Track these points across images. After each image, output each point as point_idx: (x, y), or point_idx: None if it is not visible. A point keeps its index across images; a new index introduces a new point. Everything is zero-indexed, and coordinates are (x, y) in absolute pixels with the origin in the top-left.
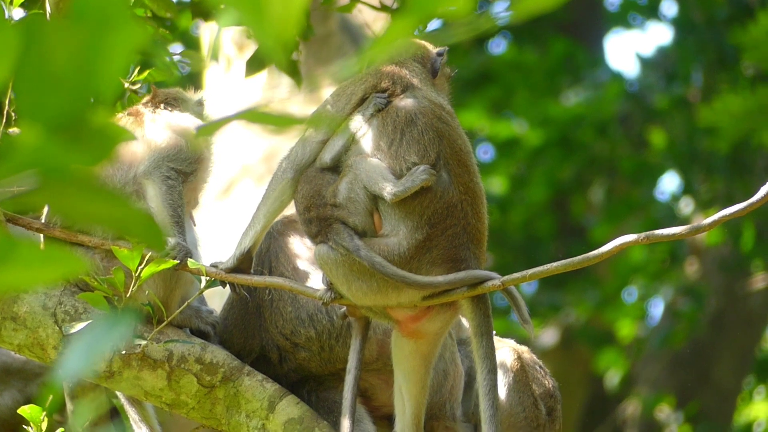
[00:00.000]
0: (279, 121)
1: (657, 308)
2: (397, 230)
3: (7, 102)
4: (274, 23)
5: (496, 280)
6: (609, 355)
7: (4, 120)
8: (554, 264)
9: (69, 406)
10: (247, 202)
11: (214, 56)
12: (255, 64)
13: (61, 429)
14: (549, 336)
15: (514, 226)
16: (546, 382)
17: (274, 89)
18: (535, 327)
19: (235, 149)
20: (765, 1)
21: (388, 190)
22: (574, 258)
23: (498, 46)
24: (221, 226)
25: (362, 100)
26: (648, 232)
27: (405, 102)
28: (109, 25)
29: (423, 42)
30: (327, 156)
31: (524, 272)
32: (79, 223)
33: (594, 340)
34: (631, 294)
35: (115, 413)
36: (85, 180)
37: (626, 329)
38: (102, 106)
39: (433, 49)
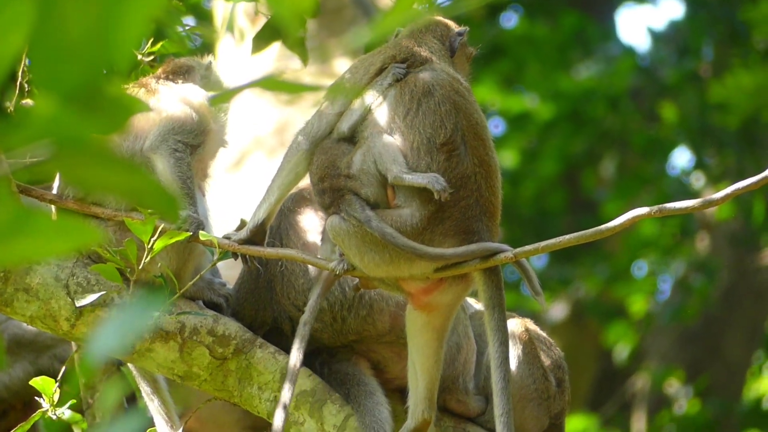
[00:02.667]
0: (294, 89)
1: (667, 283)
2: (410, 201)
3: (20, 72)
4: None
5: (509, 252)
6: (618, 328)
7: (17, 90)
8: (566, 237)
9: (81, 378)
10: (259, 174)
11: (229, 28)
12: (262, 41)
13: (73, 401)
14: (559, 310)
15: (525, 200)
16: (553, 353)
17: (287, 60)
18: (546, 300)
19: (247, 121)
20: None
21: (393, 172)
22: (586, 231)
23: (509, 21)
24: (233, 199)
25: (380, 71)
26: (660, 206)
27: (423, 74)
28: None
29: (445, 20)
30: (344, 125)
31: (536, 245)
32: (92, 193)
33: (604, 314)
34: (641, 268)
35: (132, 399)
36: (100, 150)
37: (637, 305)
38: (117, 75)
39: (454, 28)
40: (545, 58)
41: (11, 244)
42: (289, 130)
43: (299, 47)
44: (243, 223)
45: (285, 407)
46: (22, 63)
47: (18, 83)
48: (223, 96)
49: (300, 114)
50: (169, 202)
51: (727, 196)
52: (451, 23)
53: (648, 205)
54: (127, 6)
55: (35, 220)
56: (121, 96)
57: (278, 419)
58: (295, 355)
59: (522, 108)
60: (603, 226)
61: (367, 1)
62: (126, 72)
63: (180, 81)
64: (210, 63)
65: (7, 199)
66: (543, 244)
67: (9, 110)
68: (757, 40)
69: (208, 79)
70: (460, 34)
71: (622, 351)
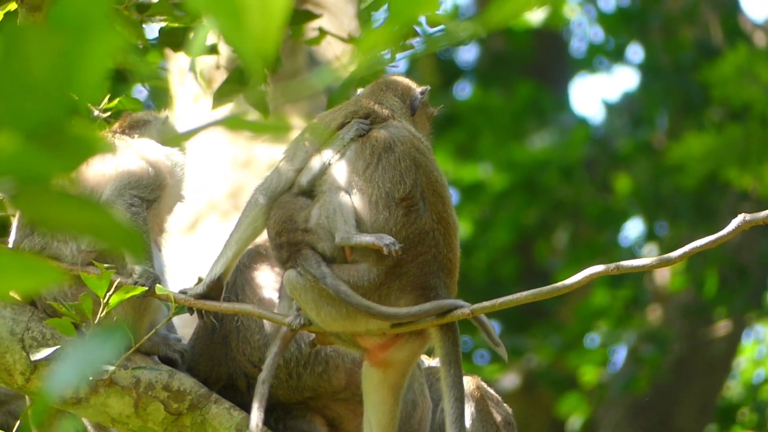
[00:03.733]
0: (258, 128)
1: (620, 354)
2: (366, 257)
3: None
4: (253, 35)
5: (466, 309)
6: (571, 399)
7: None
8: (523, 293)
9: None
10: (213, 237)
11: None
12: (223, 94)
13: None
14: (511, 380)
15: (478, 269)
16: (502, 410)
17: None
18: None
19: (201, 184)
20: (730, 45)
21: (341, 233)
22: (543, 288)
23: (463, 90)
24: (187, 262)
25: (342, 126)
26: (617, 263)
27: (385, 130)
28: (88, 32)
29: (405, 79)
30: (304, 179)
31: (493, 301)
32: (55, 231)
33: (556, 384)
34: (593, 340)
35: None
36: (62, 188)
37: (589, 374)
38: (80, 113)
39: (415, 87)
40: (499, 127)
41: None
42: (243, 193)
43: (260, 101)
44: (200, 281)
45: None
46: None
47: None
48: (184, 136)
49: (255, 177)
50: (131, 240)
51: (684, 255)
52: (412, 83)
53: (602, 277)
54: (90, 45)
55: None
56: (83, 134)
57: None
58: (256, 415)
59: (475, 178)
60: (560, 284)
61: (323, 64)
62: (89, 110)
63: (136, 135)
64: (166, 117)
65: None
66: (500, 300)
67: None
68: (713, 110)
69: (165, 133)
70: (421, 93)
71: (574, 422)
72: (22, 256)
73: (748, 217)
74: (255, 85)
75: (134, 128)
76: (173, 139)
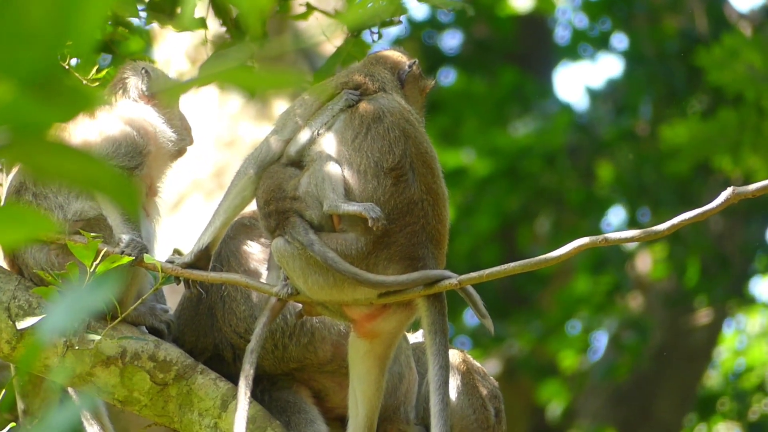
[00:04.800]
0: (254, 81)
1: (601, 341)
2: (354, 226)
3: None
4: None
5: (453, 279)
6: (551, 386)
7: None
8: (511, 264)
9: (20, 404)
10: (197, 217)
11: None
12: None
13: (12, 424)
14: (491, 366)
15: (460, 255)
16: (488, 383)
17: (224, 106)
18: (478, 356)
19: (185, 164)
20: (716, 34)
21: (329, 201)
22: (531, 259)
23: (447, 77)
24: (171, 241)
25: (332, 97)
26: (605, 235)
27: (374, 101)
28: None
29: (397, 53)
30: (292, 149)
31: (481, 272)
32: (49, 181)
33: (536, 371)
34: (575, 327)
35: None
36: (57, 137)
37: (569, 360)
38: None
39: (405, 61)
40: (482, 113)
41: None
42: (227, 172)
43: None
44: (175, 252)
45: None
46: None
47: None
48: (179, 88)
49: (239, 157)
50: (127, 191)
51: (672, 227)
52: (404, 56)
53: (582, 263)
54: None
55: None
56: (79, 86)
57: None
58: (244, 383)
59: (458, 163)
60: (547, 255)
61: (309, 46)
62: (88, 57)
63: (118, 97)
64: (144, 68)
65: None
66: (488, 271)
67: None
68: (698, 98)
69: (154, 86)
70: (409, 66)
71: (555, 409)
72: (13, 208)
73: (737, 190)
74: (253, 40)
75: (113, 91)
76: (165, 91)
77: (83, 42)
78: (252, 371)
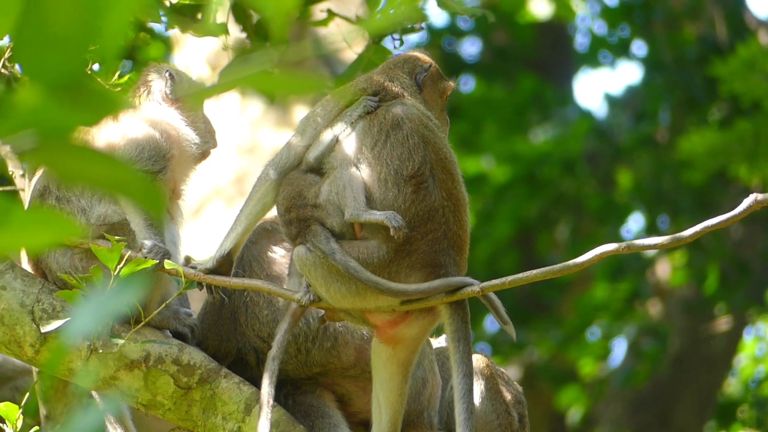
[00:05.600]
0: (276, 87)
1: (620, 347)
2: (376, 233)
3: (1, 61)
4: None
5: (476, 286)
6: (571, 393)
7: None
8: (534, 271)
9: (42, 409)
10: (218, 223)
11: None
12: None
13: (35, 429)
14: (511, 373)
15: (479, 262)
16: (512, 388)
17: (245, 112)
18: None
19: (207, 170)
20: (734, 41)
21: (350, 210)
22: (553, 266)
23: (466, 84)
24: (191, 248)
25: (351, 103)
26: (628, 242)
27: (393, 108)
28: None
29: (417, 56)
30: (311, 156)
31: (503, 279)
32: (74, 184)
33: (556, 378)
34: (594, 334)
35: None
36: (83, 141)
37: (588, 367)
38: (105, 64)
39: (422, 64)
40: (502, 120)
41: None
42: (248, 179)
43: (283, 43)
44: (187, 260)
45: None
46: (6, 52)
47: None
48: (202, 93)
49: (259, 163)
50: (152, 195)
51: (696, 234)
52: (422, 58)
53: (601, 270)
54: None
55: (12, 212)
56: (104, 90)
57: None
58: (267, 391)
59: (478, 170)
60: (570, 262)
61: (328, 53)
62: (113, 62)
63: (142, 100)
64: (168, 70)
65: None
66: (510, 278)
67: None
68: (717, 106)
69: (179, 90)
70: (425, 69)
71: (574, 415)
72: (38, 212)
73: (759, 197)
74: (275, 46)
75: (141, 89)
76: (189, 97)
77: (109, 47)
78: (274, 378)
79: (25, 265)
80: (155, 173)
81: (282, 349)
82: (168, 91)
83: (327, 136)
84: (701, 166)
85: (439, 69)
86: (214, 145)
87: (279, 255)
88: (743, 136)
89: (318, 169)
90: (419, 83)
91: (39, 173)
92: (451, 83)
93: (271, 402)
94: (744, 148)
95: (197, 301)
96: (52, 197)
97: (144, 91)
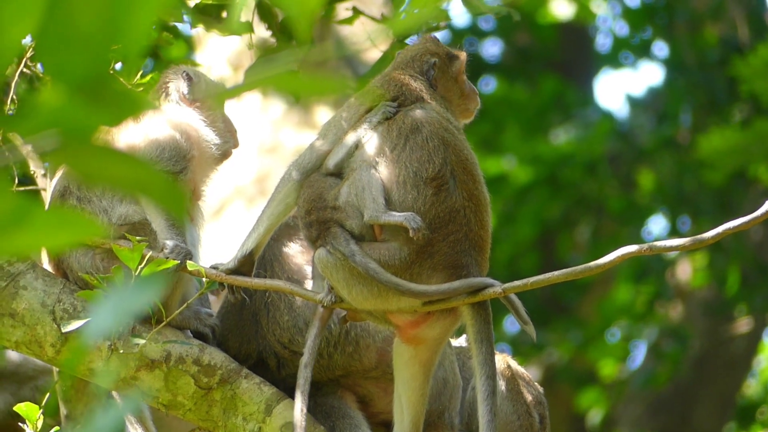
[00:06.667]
0: (300, 87)
1: (640, 350)
2: (396, 235)
3: (22, 62)
4: None
5: (497, 287)
6: (591, 394)
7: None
8: (555, 273)
9: (63, 409)
10: (239, 223)
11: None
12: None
13: (56, 428)
14: (531, 374)
15: (500, 263)
16: (533, 389)
17: (267, 112)
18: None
19: (227, 170)
20: (756, 42)
21: (369, 212)
22: (575, 267)
23: (488, 85)
24: (212, 247)
25: (371, 109)
26: (650, 243)
27: (413, 112)
28: None
29: (425, 50)
30: (331, 162)
31: (525, 280)
32: (96, 185)
33: (576, 379)
34: (614, 335)
35: None
36: (106, 141)
37: (608, 368)
38: (128, 64)
39: (429, 59)
40: (524, 121)
41: (9, 237)
42: (269, 179)
43: (309, 42)
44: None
45: None
46: (28, 52)
47: (20, 72)
48: (226, 93)
49: (281, 163)
50: (174, 195)
51: (718, 235)
52: (428, 52)
53: (622, 271)
54: None
55: (33, 212)
56: (127, 90)
57: None
58: (300, 400)
59: (499, 170)
60: (592, 263)
61: (350, 53)
62: (136, 62)
63: (162, 101)
64: (185, 71)
65: (5, 192)
66: (532, 279)
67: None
68: (738, 107)
69: (194, 86)
70: (431, 67)
71: (594, 416)
72: (59, 212)
73: None
74: (300, 45)
75: (160, 90)
76: (212, 97)
77: (132, 46)
78: (307, 386)
79: (46, 264)
80: (176, 174)
81: (314, 355)
82: (185, 92)
83: (348, 140)
84: (721, 167)
85: (445, 53)
86: (236, 145)
87: (299, 251)
88: (763, 136)
89: (338, 174)
90: (431, 80)
91: (59, 174)
92: (460, 57)
93: (305, 410)
94: (764, 148)
95: (215, 301)
96: (73, 197)
97: (162, 92)
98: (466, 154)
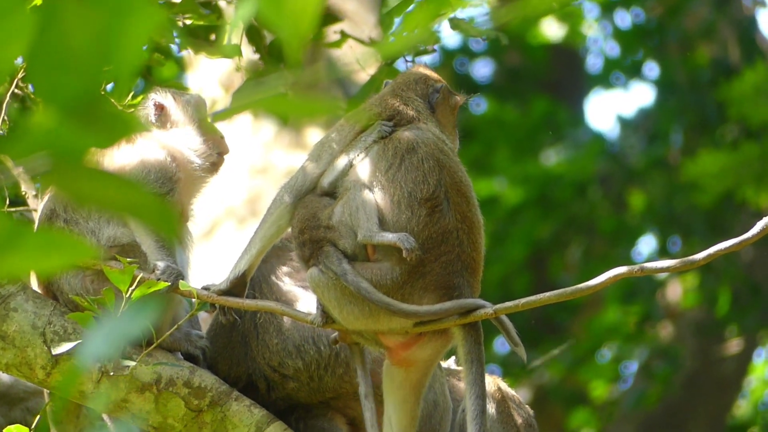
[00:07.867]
0: (289, 109)
1: (631, 370)
2: (389, 255)
3: (13, 83)
4: (292, 12)
5: (489, 309)
6: (582, 415)
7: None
8: (547, 294)
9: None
10: (230, 244)
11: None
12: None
13: None
14: (521, 395)
15: (491, 284)
16: (523, 412)
17: (258, 134)
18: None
19: (219, 191)
20: (747, 63)
21: (363, 231)
22: (566, 288)
23: (478, 106)
24: (203, 268)
25: (366, 128)
26: (641, 264)
27: (408, 132)
28: (127, 7)
29: (427, 75)
30: (326, 181)
31: (516, 301)
32: (87, 206)
33: (567, 400)
34: (604, 356)
35: None
36: (97, 163)
37: (599, 389)
38: (120, 86)
39: (433, 84)
40: (514, 142)
41: (2, 259)
42: (260, 200)
43: (297, 67)
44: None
45: None
46: (19, 74)
47: (10, 93)
48: (223, 114)
49: (272, 184)
50: (164, 217)
51: (709, 257)
52: (432, 78)
53: (613, 292)
54: (129, 20)
55: (24, 234)
56: (119, 112)
57: None
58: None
59: (490, 191)
60: (583, 285)
61: (341, 75)
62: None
63: (153, 122)
64: (154, 101)
65: None
66: (523, 300)
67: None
68: (728, 128)
69: (191, 114)
70: (436, 90)
71: None
72: (48, 234)
73: None
74: (289, 68)
75: (153, 115)
76: (204, 120)
77: (124, 67)
78: (375, 416)
79: (36, 287)
80: (163, 195)
81: (370, 384)
82: (153, 121)
83: (342, 161)
84: (709, 189)
85: (448, 85)
86: (225, 151)
87: (285, 272)
88: (751, 159)
89: (332, 193)
90: (432, 104)
91: (47, 196)
92: (460, 97)
93: None
94: (752, 171)
95: (204, 320)
96: (60, 220)
97: (157, 115)
98: (460, 176)
